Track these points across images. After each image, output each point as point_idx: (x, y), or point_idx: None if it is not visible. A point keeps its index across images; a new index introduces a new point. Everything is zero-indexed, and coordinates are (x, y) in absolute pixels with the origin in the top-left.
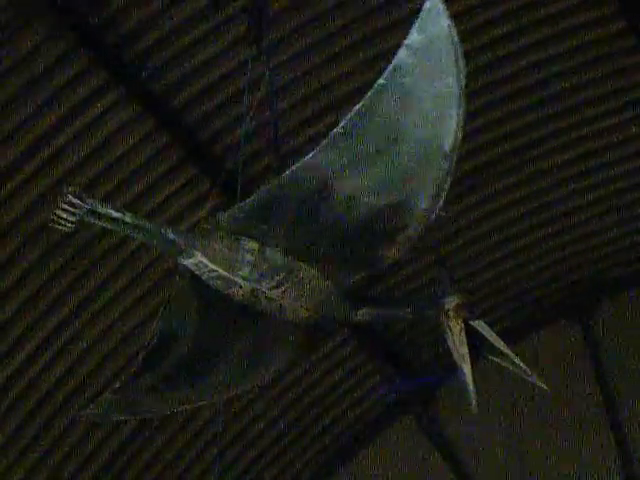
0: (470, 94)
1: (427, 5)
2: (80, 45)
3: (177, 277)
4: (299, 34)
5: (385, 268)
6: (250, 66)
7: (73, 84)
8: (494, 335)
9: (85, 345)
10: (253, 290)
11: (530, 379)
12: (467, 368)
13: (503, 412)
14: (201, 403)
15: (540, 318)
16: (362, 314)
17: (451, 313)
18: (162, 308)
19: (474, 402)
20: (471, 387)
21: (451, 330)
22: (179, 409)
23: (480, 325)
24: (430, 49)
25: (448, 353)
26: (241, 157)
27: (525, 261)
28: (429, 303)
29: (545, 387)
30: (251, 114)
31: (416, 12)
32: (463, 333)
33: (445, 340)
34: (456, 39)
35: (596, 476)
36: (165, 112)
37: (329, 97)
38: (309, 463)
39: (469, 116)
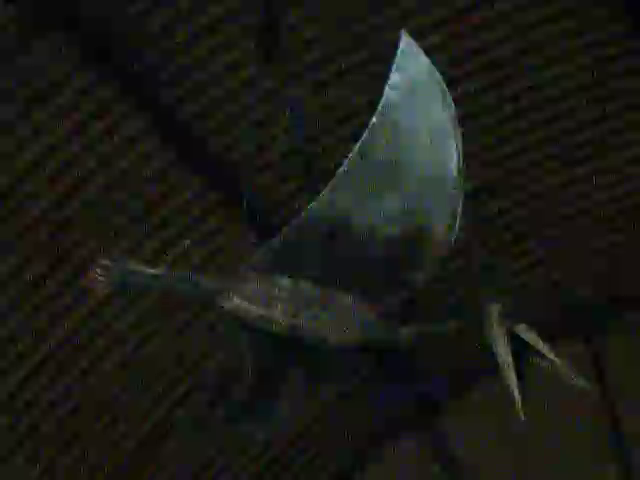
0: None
1: (401, 46)
2: (88, 60)
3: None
4: (310, 49)
5: (418, 291)
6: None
7: (80, 99)
8: (537, 339)
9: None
10: (292, 326)
11: (576, 382)
12: (512, 377)
13: (509, 430)
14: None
15: (544, 337)
16: (405, 334)
17: (495, 322)
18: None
19: (521, 410)
20: (517, 396)
21: (496, 339)
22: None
23: (522, 330)
24: (414, 87)
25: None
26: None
27: (532, 278)
28: (471, 314)
29: (589, 388)
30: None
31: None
32: (508, 341)
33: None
34: (437, 75)
35: None
36: (172, 126)
37: (340, 111)
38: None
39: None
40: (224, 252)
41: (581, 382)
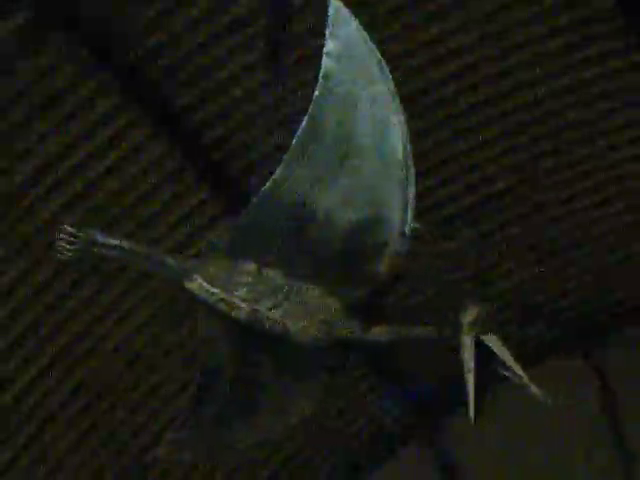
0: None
1: (331, 13)
2: (96, 65)
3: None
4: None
5: (385, 283)
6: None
7: (88, 104)
8: (504, 350)
9: None
10: (254, 311)
11: (538, 397)
12: (471, 383)
13: (511, 440)
14: (256, 442)
15: (545, 351)
16: (375, 334)
17: (466, 327)
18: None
19: (472, 416)
20: (472, 402)
21: (463, 344)
22: (238, 450)
23: (491, 340)
24: (349, 55)
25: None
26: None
27: (532, 293)
28: (447, 319)
29: (550, 402)
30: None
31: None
32: (473, 347)
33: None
34: (369, 39)
35: None
36: (180, 133)
37: None
38: None
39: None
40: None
41: (545, 397)
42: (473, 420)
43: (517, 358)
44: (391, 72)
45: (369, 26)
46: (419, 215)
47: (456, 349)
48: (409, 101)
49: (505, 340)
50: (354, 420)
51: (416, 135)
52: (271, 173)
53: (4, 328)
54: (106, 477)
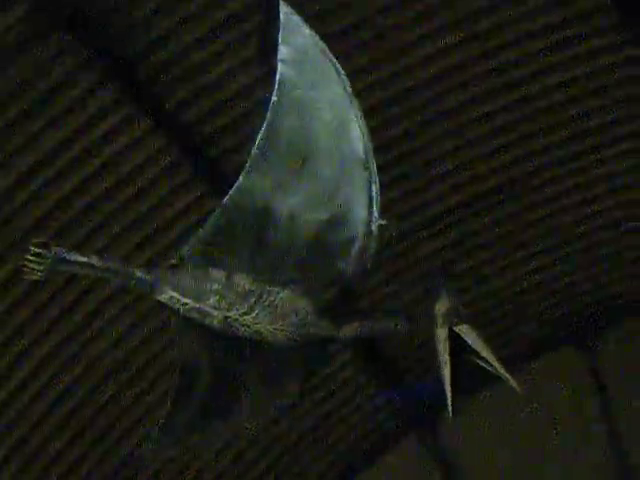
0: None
1: (282, 20)
2: (93, 61)
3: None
4: None
5: (356, 283)
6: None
7: (84, 99)
8: (478, 340)
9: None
10: (226, 318)
11: (514, 386)
12: (447, 375)
13: (507, 434)
14: (235, 432)
15: (542, 344)
16: (347, 331)
17: (439, 319)
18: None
19: (450, 409)
20: (449, 394)
21: (437, 336)
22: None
23: (464, 330)
24: (303, 60)
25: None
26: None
27: (528, 287)
28: (420, 312)
29: (519, 391)
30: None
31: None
32: (447, 340)
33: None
34: (322, 44)
35: None
36: (175, 128)
37: None
38: None
39: (481, 139)
40: None
41: (519, 387)
42: (451, 414)
43: (510, 353)
44: (379, 72)
45: (362, 23)
46: (407, 215)
47: (432, 341)
48: (395, 102)
49: (478, 329)
50: (348, 416)
51: (405, 135)
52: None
53: None
54: None
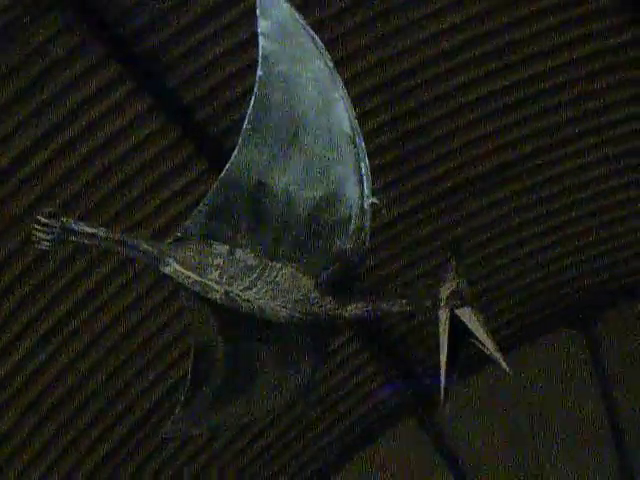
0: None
1: None
2: (94, 40)
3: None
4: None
5: (356, 261)
6: None
7: (85, 78)
8: (477, 323)
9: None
10: (227, 293)
11: (506, 369)
12: (443, 358)
13: (505, 416)
14: (254, 415)
15: (542, 326)
16: (351, 309)
17: (443, 301)
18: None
19: (443, 394)
20: (443, 377)
21: (439, 318)
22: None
23: (465, 313)
24: (283, 33)
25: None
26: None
27: (528, 269)
28: (425, 293)
29: (509, 372)
30: None
31: None
32: (448, 322)
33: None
34: (300, 18)
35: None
36: (175, 109)
37: None
38: (308, 463)
39: (483, 117)
40: None
41: (508, 370)
42: (442, 397)
43: (510, 335)
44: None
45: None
46: (404, 197)
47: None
48: (392, 84)
49: (482, 313)
50: (347, 397)
51: (404, 116)
52: None
53: None
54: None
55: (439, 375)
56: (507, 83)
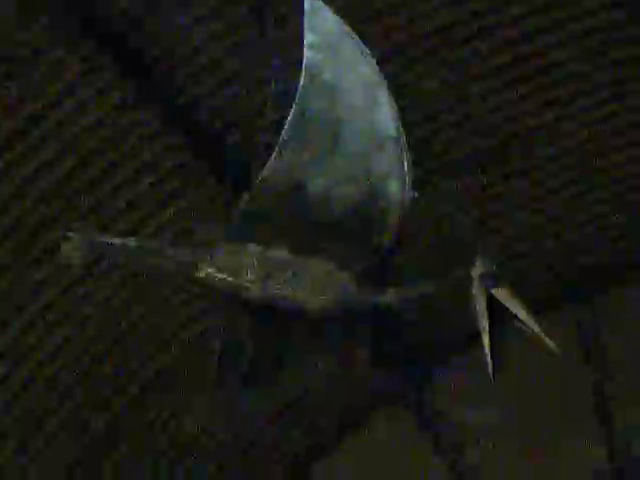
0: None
1: (307, 7)
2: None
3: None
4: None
5: (392, 254)
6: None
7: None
8: (516, 303)
9: None
10: (263, 290)
11: (553, 349)
12: (486, 340)
13: (498, 402)
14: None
15: (547, 301)
16: (388, 297)
17: (476, 283)
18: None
19: (492, 375)
20: (489, 359)
21: (475, 299)
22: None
23: (503, 295)
24: (330, 45)
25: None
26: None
27: (533, 244)
28: (458, 276)
29: (558, 353)
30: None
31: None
32: (484, 304)
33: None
34: (346, 25)
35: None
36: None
37: None
38: (292, 451)
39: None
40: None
41: (556, 350)
42: (492, 378)
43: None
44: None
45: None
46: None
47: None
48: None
49: (516, 291)
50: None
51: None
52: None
53: None
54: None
55: (428, 362)
56: None
